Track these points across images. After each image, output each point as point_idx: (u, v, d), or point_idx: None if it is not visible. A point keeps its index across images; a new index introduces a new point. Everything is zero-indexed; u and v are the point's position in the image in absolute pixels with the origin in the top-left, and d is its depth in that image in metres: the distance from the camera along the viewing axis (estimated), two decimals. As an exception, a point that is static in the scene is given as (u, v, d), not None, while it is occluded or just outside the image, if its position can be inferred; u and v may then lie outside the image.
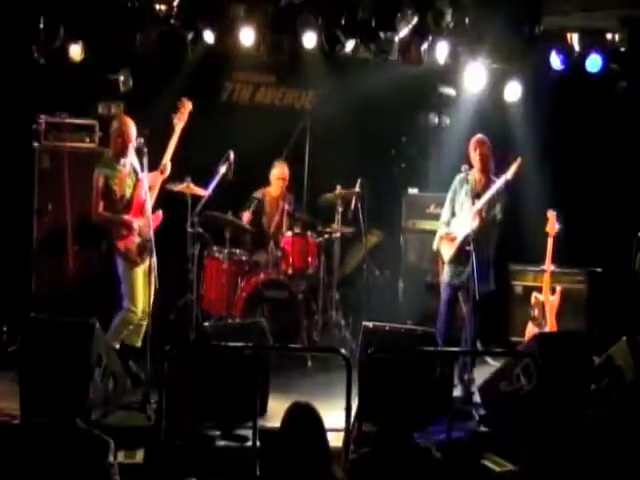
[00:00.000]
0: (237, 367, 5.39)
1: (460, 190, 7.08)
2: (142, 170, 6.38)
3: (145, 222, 6.42)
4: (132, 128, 6.59)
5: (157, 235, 6.38)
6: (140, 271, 6.57)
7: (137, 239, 6.56)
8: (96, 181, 6.55)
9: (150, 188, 6.44)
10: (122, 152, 6.61)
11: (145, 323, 6.48)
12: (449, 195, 7.19)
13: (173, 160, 6.80)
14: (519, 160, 6.87)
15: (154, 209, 6.53)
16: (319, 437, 3.62)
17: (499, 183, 6.89)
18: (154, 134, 6.79)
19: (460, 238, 6.95)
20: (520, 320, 7.97)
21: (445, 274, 7.16)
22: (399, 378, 4.20)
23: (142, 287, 6.54)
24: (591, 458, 3.95)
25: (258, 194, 8.27)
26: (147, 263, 6.39)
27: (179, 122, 6.76)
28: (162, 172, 6.71)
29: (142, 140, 6.38)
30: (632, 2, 7.61)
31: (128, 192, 6.61)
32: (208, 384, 5.58)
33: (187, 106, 6.81)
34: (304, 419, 3.65)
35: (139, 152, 6.39)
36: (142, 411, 5.93)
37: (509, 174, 6.86)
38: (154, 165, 6.61)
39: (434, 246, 7.30)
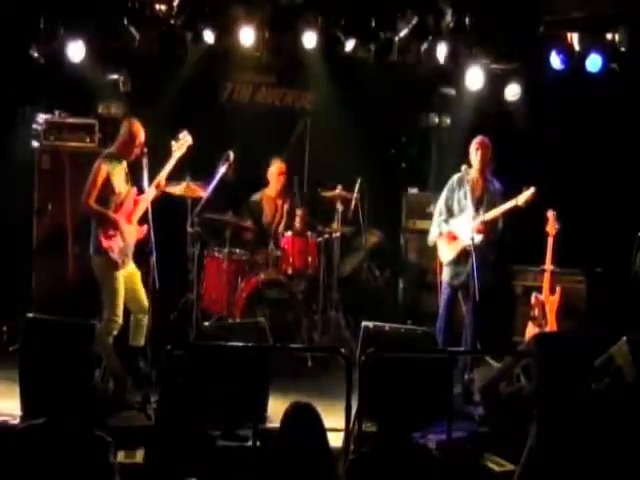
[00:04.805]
0: (237, 367, 5.39)
1: (458, 191, 7.04)
2: (142, 180, 6.32)
3: (131, 230, 6.33)
4: (142, 135, 6.41)
5: (157, 235, 6.33)
6: (120, 275, 6.35)
7: (120, 242, 6.33)
8: (96, 171, 6.28)
9: (135, 202, 6.38)
10: (128, 155, 6.43)
11: (145, 321, 6.41)
12: (444, 194, 7.12)
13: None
14: (533, 190, 6.74)
15: (140, 223, 6.40)
16: (319, 437, 3.62)
17: (507, 206, 6.80)
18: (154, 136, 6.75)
19: (461, 245, 6.92)
20: (520, 320, 7.96)
21: (445, 274, 7.14)
22: (399, 378, 4.20)
23: (124, 291, 6.34)
24: (591, 458, 3.94)
25: (255, 197, 8.26)
26: (128, 269, 6.34)
27: (178, 151, 6.57)
28: (157, 187, 6.53)
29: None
30: (632, 2, 7.62)
31: (123, 191, 6.42)
32: (208, 384, 5.58)
33: (187, 140, 6.61)
34: (304, 419, 3.65)
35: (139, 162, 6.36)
36: (142, 411, 5.93)
37: (520, 201, 6.76)
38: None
39: (429, 241, 7.28)
